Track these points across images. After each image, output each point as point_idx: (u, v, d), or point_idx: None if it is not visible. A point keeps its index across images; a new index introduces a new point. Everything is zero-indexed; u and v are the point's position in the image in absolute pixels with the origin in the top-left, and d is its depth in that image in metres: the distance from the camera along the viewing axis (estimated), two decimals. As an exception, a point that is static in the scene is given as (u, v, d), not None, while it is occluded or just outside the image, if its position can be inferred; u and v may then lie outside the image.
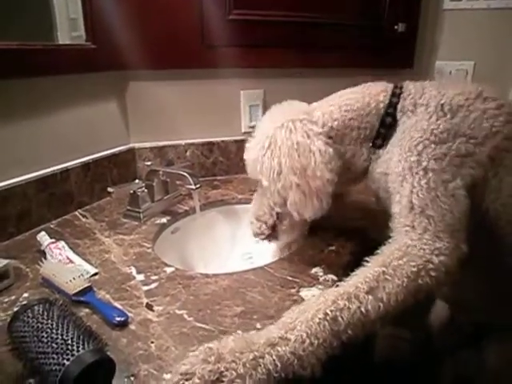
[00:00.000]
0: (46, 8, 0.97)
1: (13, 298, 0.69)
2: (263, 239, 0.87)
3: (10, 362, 0.54)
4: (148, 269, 0.78)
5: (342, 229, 0.91)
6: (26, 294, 0.69)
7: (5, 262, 0.72)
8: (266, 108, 1.30)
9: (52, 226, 0.95)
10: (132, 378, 0.53)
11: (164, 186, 1.06)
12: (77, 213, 1.02)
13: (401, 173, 0.70)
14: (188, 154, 1.26)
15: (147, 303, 0.68)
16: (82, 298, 0.66)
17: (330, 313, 0.57)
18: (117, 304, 0.67)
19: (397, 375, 1.55)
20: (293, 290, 0.72)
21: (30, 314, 0.54)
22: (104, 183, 1.10)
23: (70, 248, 0.83)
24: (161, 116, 1.22)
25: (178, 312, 0.66)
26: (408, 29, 1.33)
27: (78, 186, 1.03)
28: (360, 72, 1.35)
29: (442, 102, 0.73)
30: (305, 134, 0.75)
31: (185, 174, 0.95)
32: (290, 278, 0.75)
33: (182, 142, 1.25)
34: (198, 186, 0.95)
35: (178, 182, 1.10)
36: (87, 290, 0.68)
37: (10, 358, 0.55)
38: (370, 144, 0.79)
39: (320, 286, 0.73)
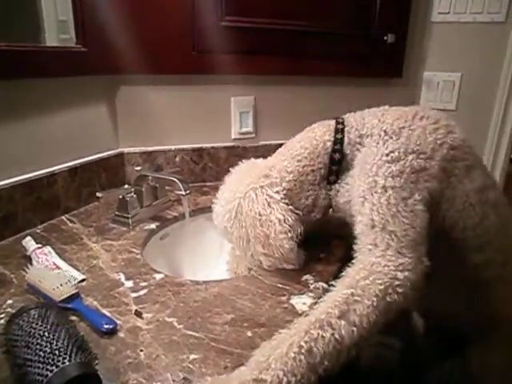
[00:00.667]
0: (33, 9, 0.95)
1: (-3, 304, 0.67)
2: None
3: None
4: (137, 275, 0.77)
5: (329, 236, 0.92)
6: (10, 301, 0.67)
7: (-11, 267, 0.70)
8: (256, 115, 1.32)
9: (38, 231, 0.93)
10: (121, 388, 0.51)
11: (153, 191, 1.05)
12: (64, 217, 1.00)
13: (361, 194, 0.72)
14: (177, 159, 1.25)
15: (136, 310, 0.66)
16: (68, 305, 0.65)
17: (304, 345, 0.54)
18: (105, 311, 0.66)
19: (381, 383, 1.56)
20: (283, 298, 0.71)
21: (26, 318, 0.52)
22: (92, 188, 1.09)
23: (57, 253, 0.81)
24: (151, 121, 1.21)
25: (167, 319, 0.65)
26: (397, 40, 1.35)
27: (65, 191, 1.01)
28: (350, 81, 1.38)
29: (384, 128, 0.76)
30: (265, 202, 0.78)
31: (175, 179, 0.95)
32: (281, 286, 0.75)
33: (172, 148, 1.24)
34: (187, 191, 0.94)
35: (167, 188, 1.09)
36: (74, 297, 0.67)
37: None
38: (326, 182, 0.82)
39: (310, 294, 0.72)
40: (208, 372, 0.54)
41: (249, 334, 0.62)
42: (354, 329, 0.57)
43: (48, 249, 0.81)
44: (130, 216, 0.97)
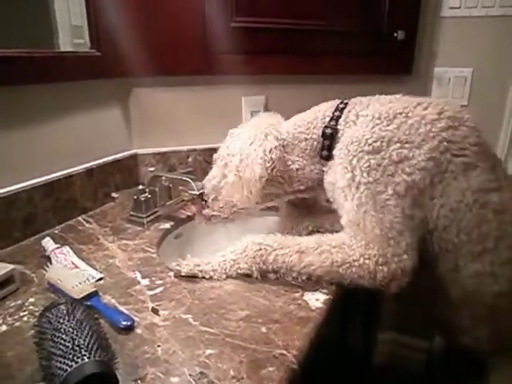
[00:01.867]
0: (46, 15, 0.97)
1: (19, 302, 0.69)
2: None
3: (18, 368, 0.55)
4: (153, 274, 0.78)
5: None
6: (32, 299, 0.70)
7: (10, 267, 0.73)
8: (267, 114, 1.33)
9: (56, 232, 0.95)
10: (139, 382, 0.53)
11: (167, 191, 1.07)
12: (80, 218, 1.03)
13: (343, 189, 0.76)
14: (190, 159, 1.27)
15: (153, 308, 0.68)
16: (87, 303, 0.67)
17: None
18: (122, 308, 0.68)
19: (394, 380, 1.56)
20: (297, 294, 0.72)
21: (54, 312, 0.54)
22: (107, 188, 1.11)
23: (75, 253, 0.83)
24: (163, 122, 1.23)
25: (183, 316, 0.66)
26: (407, 36, 1.34)
27: (82, 192, 1.04)
28: (360, 79, 1.38)
29: (381, 110, 0.76)
30: (264, 132, 0.83)
31: (188, 179, 0.96)
32: (294, 283, 0.76)
33: (184, 148, 1.26)
34: (201, 191, 0.95)
35: (180, 188, 1.11)
36: (93, 295, 0.68)
37: (17, 363, 0.56)
38: (319, 156, 0.84)
39: (324, 290, 0.73)
40: (224, 367, 0.55)
41: (263, 329, 0.63)
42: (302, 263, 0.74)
43: (66, 249, 0.84)
44: (144, 216, 0.99)
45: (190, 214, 1.08)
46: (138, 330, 0.63)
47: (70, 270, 0.78)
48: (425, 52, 1.43)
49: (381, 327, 1.70)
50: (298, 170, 0.85)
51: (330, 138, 0.81)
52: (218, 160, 0.91)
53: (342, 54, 1.31)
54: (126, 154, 1.19)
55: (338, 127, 0.81)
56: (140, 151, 1.23)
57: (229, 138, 0.91)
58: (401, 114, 0.75)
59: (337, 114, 0.82)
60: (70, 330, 0.51)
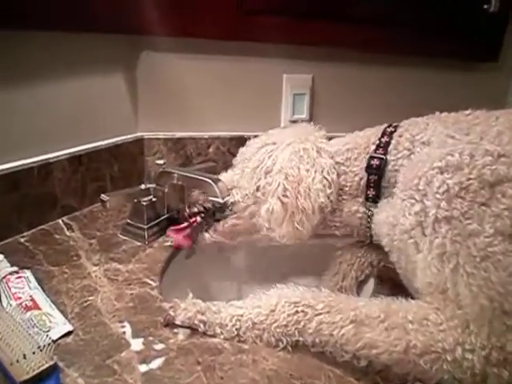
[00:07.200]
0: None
1: None
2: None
3: None
4: (150, 329, 0.51)
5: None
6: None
7: None
8: (313, 98, 1.05)
9: (22, 240, 0.70)
10: None
11: (179, 193, 0.80)
12: (60, 221, 0.77)
13: (408, 231, 0.53)
14: (211, 150, 1.01)
15: (144, 401, 0.42)
16: (37, 389, 0.40)
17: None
18: (95, 400, 0.41)
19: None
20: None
21: None
22: (100, 182, 0.86)
23: (38, 282, 0.57)
24: (180, 99, 0.97)
25: (195, 427, 0.39)
26: (502, 8, 1.04)
27: (64, 186, 0.78)
28: (430, 63, 1.09)
29: (447, 132, 0.56)
30: (315, 146, 0.65)
31: (210, 181, 0.69)
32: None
33: (205, 135, 1.01)
34: (226, 199, 0.68)
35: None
36: (49, 373, 0.42)
37: None
38: (364, 196, 0.64)
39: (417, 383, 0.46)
40: None
41: None
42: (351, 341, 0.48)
43: (27, 273, 0.58)
44: (146, 227, 0.72)
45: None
46: None
47: (24, 313, 0.51)
48: (516, 32, 1.13)
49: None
50: (333, 212, 0.65)
51: (377, 173, 0.61)
52: (246, 174, 0.69)
53: (414, 28, 1.02)
54: (129, 137, 0.94)
55: (388, 157, 0.61)
56: (147, 135, 0.97)
57: (256, 146, 0.71)
58: (477, 124, 0.55)
59: (384, 139, 0.62)
60: None
